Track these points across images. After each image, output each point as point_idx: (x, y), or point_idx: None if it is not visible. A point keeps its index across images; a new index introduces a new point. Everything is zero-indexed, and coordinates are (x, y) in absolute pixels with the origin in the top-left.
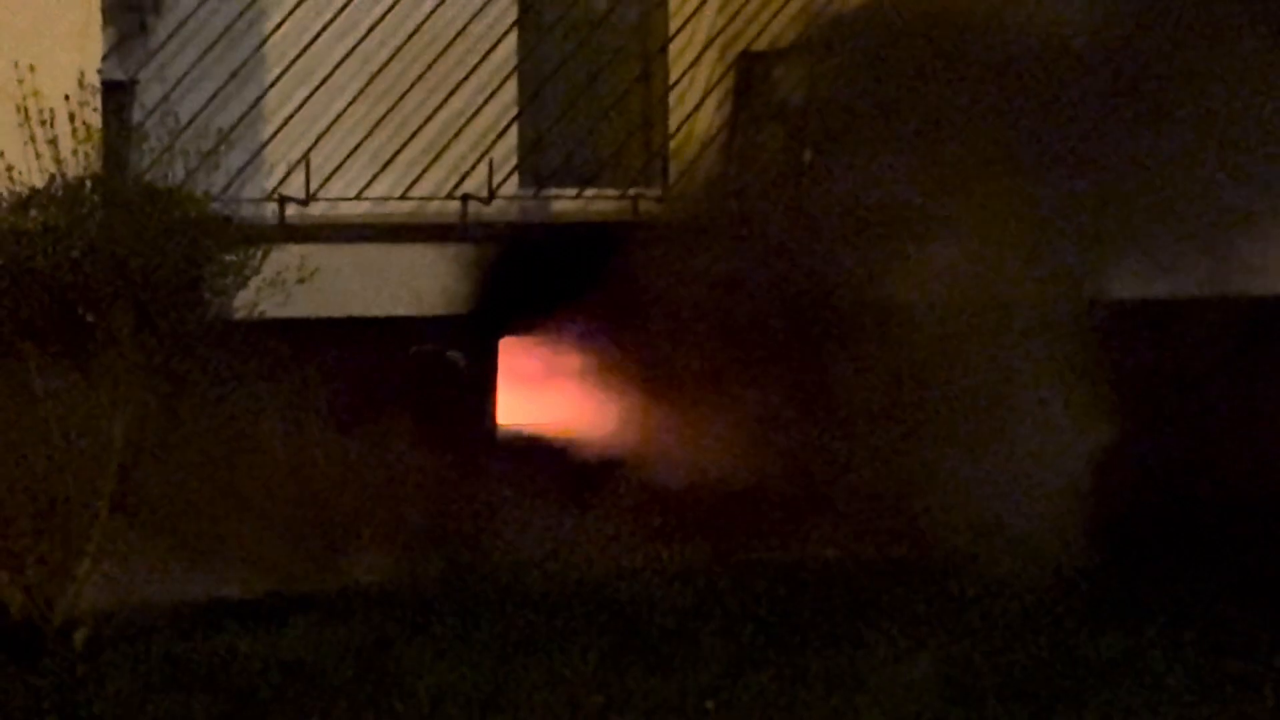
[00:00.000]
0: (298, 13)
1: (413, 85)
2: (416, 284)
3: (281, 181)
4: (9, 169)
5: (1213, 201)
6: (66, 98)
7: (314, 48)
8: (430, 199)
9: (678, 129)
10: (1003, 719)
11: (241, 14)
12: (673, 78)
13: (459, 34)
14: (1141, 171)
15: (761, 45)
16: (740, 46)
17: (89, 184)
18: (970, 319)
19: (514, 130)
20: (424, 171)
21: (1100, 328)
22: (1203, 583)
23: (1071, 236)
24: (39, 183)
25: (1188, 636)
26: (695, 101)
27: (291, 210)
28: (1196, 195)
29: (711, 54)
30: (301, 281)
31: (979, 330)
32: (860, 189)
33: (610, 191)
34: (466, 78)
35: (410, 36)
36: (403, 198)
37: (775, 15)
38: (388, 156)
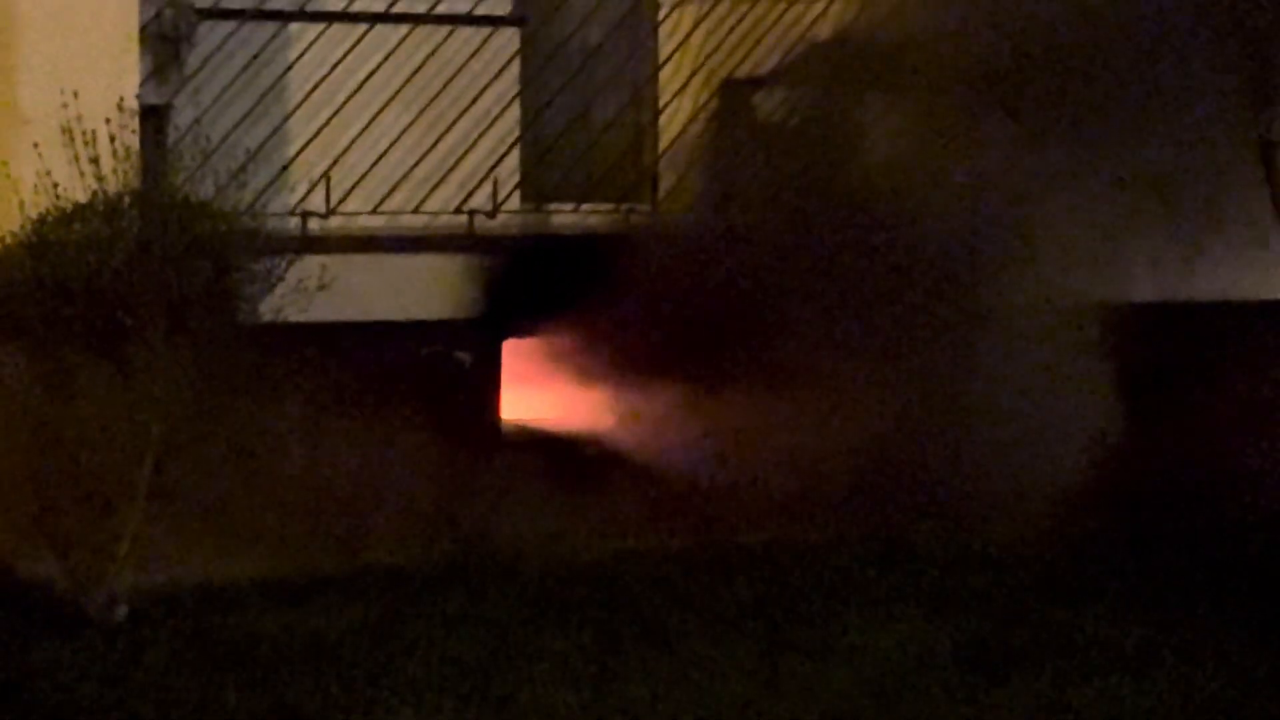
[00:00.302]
0: (318, 43)
1: (424, 109)
2: (427, 291)
3: (304, 197)
4: (55, 185)
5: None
6: (107, 120)
7: (333, 75)
8: (440, 213)
9: (666, 149)
10: (958, 685)
11: (267, 44)
12: (662, 103)
13: (466, 63)
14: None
15: (743, 73)
16: (723, 74)
17: (127, 199)
18: (964, 323)
19: (516, 151)
20: (434, 188)
21: (1113, 327)
22: (1181, 570)
23: (1075, 244)
24: (82, 198)
25: (1143, 614)
26: (682, 124)
27: (313, 223)
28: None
29: (697, 81)
30: (322, 288)
31: (972, 331)
32: (835, 197)
33: (605, 206)
34: (473, 103)
35: (421, 65)
36: (415, 212)
37: (755, 46)
38: (401, 175)
